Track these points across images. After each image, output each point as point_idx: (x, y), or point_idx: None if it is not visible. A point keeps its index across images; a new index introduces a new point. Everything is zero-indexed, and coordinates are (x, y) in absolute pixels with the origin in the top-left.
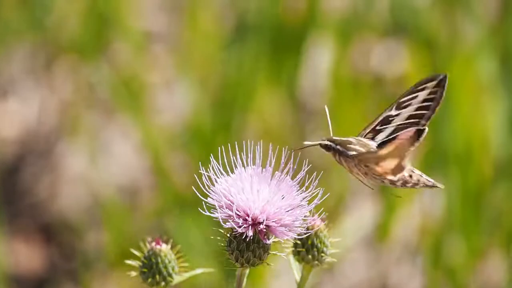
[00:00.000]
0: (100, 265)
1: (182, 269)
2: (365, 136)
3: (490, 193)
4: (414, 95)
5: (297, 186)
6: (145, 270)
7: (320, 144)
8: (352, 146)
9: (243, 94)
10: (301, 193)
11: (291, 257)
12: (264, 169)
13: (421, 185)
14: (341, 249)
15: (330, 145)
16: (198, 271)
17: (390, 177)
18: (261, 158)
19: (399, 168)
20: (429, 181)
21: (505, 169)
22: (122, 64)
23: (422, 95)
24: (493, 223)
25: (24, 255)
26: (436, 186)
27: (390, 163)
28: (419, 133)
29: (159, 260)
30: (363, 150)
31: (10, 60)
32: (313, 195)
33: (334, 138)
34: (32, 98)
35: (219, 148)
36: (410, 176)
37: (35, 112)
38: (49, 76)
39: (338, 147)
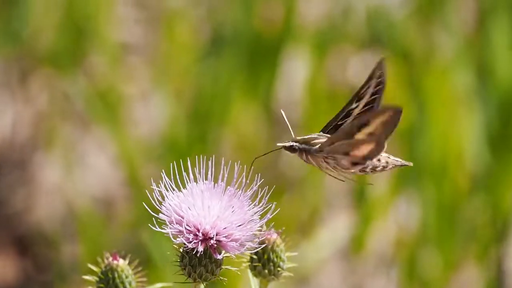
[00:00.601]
0: (75, 276)
1: (140, 284)
2: (327, 132)
3: (465, 206)
4: (367, 84)
5: (249, 201)
6: (102, 285)
7: (284, 147)
8: (317, 141)
9: (219, 106)
10: (253, 208)
11: (249, 272)
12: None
13: (391, 166)
14: (316, 261)
15: (294, 145)
16: (157, 285)
17: (358, 168)
18: (213, 173)
19: (375, 152)
20: (397, 160)
21: (480, 181)
22: (98, 76)
23: (373, 83)
24: (468, 236)
25: None
26: (405, 165)
27: (364, 149)
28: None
29: (116, 275)
30: None
31: None
32: (265, 209)
33: (298, 138)
34: (8, 110)
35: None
36: (379, 160)
37: (10, 124)
38: (24, 88)
39: (303, 145)
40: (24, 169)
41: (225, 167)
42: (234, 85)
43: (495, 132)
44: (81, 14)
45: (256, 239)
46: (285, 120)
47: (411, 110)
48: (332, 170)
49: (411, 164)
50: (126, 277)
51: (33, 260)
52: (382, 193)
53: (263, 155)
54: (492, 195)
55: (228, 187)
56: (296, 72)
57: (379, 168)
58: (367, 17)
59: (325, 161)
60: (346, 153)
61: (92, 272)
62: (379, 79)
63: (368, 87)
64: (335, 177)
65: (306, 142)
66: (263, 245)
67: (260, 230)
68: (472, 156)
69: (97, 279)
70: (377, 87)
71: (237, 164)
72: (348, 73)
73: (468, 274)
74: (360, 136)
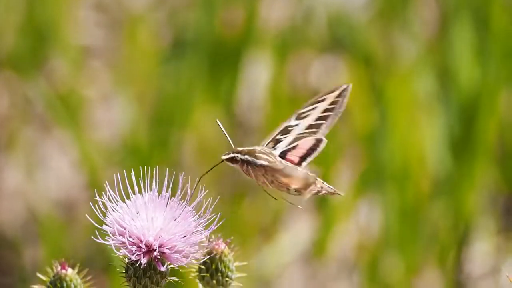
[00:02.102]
0: (37, 280)
1: None
2: (266, 145)
3: (427, 210)
4: (314, 106)
5: (194, 212)
6: None
7: (226, 159)
8: (259, 154)
9: (181, 110)
10: (198, 219)
11: (198, 282)
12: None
13: (324, 192)
14: (278, 265)
15: (236, 157)
16: None
17: (295, 186)
18: (157, 184)
19: (305, 188)
20: (330, 188)
21: (442, 186)
22: (59, 79)
23: (322, 105)
24: (430, 240)
25: None
26: (337, 193)
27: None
28: (317, 142)
29: (64, 285)
30: (270, 158)
31: None
32: (210, 220)
33: (240, 149)
34: None
35: (154, 165)
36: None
37: None
38: None
39: (246, 157)
40: None
41: (169, 177)
42: (196, 89)
43: (457, 136)
44: (42, 17)
45: (202, 250)
46: (224, 131)
47: (373, 115)
48: (269, 185)
49: (342, 194)
50: (75, 286)
51: None
52: (344, 197)
53: (207, 172)
54: (454, 199)
55: (172, 198)
56: (257, 76)
57: (313, 191)
58: (328, 21)
59: (264, 176)
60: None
61: (47, 275)
62: (333, 105)
63: (314, 108)
64: (269, 194)
65: (249, 153)
66: (209, 256)
67: (209, 240)
68: (434, 160)
69: None
70: (327, 112)
71: (181, 174)
72: (310, 77)
73: (430, 278)
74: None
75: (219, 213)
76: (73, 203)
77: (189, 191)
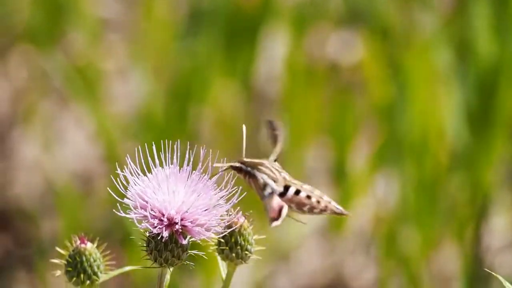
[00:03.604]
0: (54, 252)
1: (108, 267)
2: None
3: (445, 183)
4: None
5: (215, 185)
6: (70, 269)
7: (231, 166)
8: (263, 168)
9: (198, 84)
10: (219, 192)
11: (217, 255)
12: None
13: (329, 212)
14: (296, 238)
15: (240, 167)
16: (126, 268)
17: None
18: (179, 157)
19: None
20: (337, 208)
21: (460, 159)
22: (77, 52)
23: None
24: (448, 213)
25: None
26: (344, 214)
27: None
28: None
29: (84, 259)
30: (273, 175)
31: None
32: (231, 193)
33: (245, 160)
34: None
35: (171, 139)
36: (318, 202)
37: None
38: (3, 64)
39: (248, 169)
40: (2, 144)
41: (190, 151)
42: (213, 62)
43: (475, 109)
44: None
45: (222, 224)
46: (243, 137)
47: (391, 88)
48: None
49: (349, 214)
50: (94, 260)
51: (12, 235)
52: (361, 171)
53: (218, 173)
54: (472, 172)
55: (194, 171)
56: (275, 49)
57: (316, 210)
58: None
59: (263, 190)
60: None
61: (66, 248)
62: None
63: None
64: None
65: (252, 166)
66: (230, 229)
67: (228, 214)
68: (452, 133)
69: (65, 262)
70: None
71: (202, 148)
72: (327, 50)
73: (447, 251)
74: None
75: (240, 187)
76: (90, 176)
77: (210, 164)
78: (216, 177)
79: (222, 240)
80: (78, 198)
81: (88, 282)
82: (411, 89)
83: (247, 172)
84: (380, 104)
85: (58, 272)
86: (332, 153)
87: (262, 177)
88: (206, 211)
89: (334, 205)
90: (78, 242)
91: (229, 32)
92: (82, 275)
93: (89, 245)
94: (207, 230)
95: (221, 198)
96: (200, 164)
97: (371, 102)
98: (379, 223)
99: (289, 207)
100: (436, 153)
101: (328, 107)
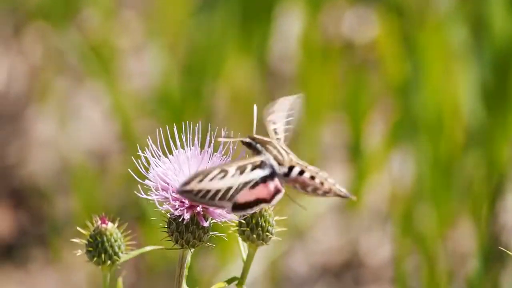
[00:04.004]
0: (69, 230)
1: (129, 247)
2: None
3: (460, 161)
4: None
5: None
6: (91, 249)
7: (242, 142)
8: (271, 148)
9: (213, 60)
10: None
11: (238, 236)
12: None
13: (332, 194)
14: (312, 215)
15: (250, 142)
16: (147, 248)
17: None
18: (200, 139)
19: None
20: (341, 191)
21: (475, 136)
22: (92, 30)
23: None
24: (464, 191)
25: None
26: (348, 197)
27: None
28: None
29: (105, 239)
30: (278, 156)
31: None
32: None
33: (255, 136)
34: (1, 63)
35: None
36: (322, 183)
37: (4, 77)
38: (18, 42)
39: (257, 146)
40: (18, 122)
41: (211, 132)
42: (228, 39)
43: (491, 87)
44: None
45: None
46: (254, 117)
47: (405, 66)
48: None
49: (354, 198)
50: (115, 240)
51: (27, 213)
52: (377, 148)
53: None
54: (487, 150)
55: (215, 153)
56: (290, 26)
57: (320, 192)
58: None
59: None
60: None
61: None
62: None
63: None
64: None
65: (261, 143)
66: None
67: None
68: (467, 111)
69: (86, 242)
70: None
71: (224, 130)
72: (342, 27)
73: (463, 229)
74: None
75: None
76: (105, 154)
77: (231, 146)
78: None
79: (243, 222)
80: (93, 175)
81: (109, 262)
82: (426, 66)
83: (255, 149)
84: (395, 81)
85: (79, 252)
86: (348, 130)
87: (267, 158)
88: None
89: (338, 188)
90: (99, 221)
91: (245, 8)
92: (103, 255)
93: (109, 225)
94: (228, 212)
95: None
96: (221, 146)
97: (386, 79)
98: (394, 201)
99: (294, 187)
100: (451, 131)
101: (343, 85)
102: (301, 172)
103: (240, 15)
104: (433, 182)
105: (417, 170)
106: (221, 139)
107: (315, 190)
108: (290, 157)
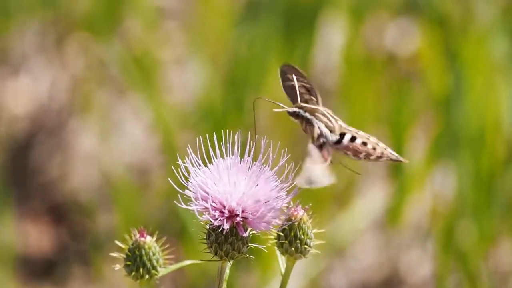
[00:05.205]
0: (110, 245)
1: (167, 261)
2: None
3: (502, 176)
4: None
5: (276, 177)
6: (129, 263)
7: (288, 112)
8: (320, 116)
9: (255, 73)
10: (280, 184)
11: (277, 249)
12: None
13: (385, 158)
14: (352, 232)
15: (298, 112)
16: (186, 262)
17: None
18: (239, 148)
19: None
20: (392, 154)
21: None
22: (134, 41)
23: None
24: (505, 207)
25: (34, 235)
26: (400, 161)
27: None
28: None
29: (143, 252)
30: (329, 123)
31: (22, 36)
32: (292, 186)
33: (303, 105)
34: (44, 75)
35: (229, 128)
36: (374, 148)
37: (47, 89)
38: (60, 53)
39: (306, 114)
40: (60, 135)
41: (251, 141)
42: (270, 51)
43: None
44: None
45: (283, 216)
46: (297, 89)
47: (448, 78)
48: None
49: (406, 161)
50: (153, 254)
51: (68, 228)
52: (418, 164)
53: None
54: None
55: (255, 162)
56: (332, 38)
57: (372, 157)
58: None
59: (317, 140)
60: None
61: (124, 242)
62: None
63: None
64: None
65: (310, 111)
66: (290, 222)
67: (287, 207)
68: (509, 125)
69: (124, 256)
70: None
71: (263, 139)
72: (385, 40)
73: (505, 246)
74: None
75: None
76: (147, 168)
77: (271, 155)
78: (276, 168)
79: (282, 234)
80: (134, 190)
81: (147, 276)
82: (468, 79)
83: (304, 118)
84: (437, 94)
85: (117, 266)
86: (390, 144)
87: (319, 126)
88: (267, 203)
89: (390, 151)
90: (138, 235)
91: (287, 20)
92: (141, 269)
93: (148, 238)
94: (268, 222)
95: (281, 190)
96: (261, 155)
97: (429, 92)
98: (436, 217)
99: (346, 154)
100: (493, 146)
101: (385, 97)
102: (353, 139)
103: (282, 27)
104: (475, 198)
105: (458, 185)
106: (282, 109)
107: (368, 156)
108: (339, 124)
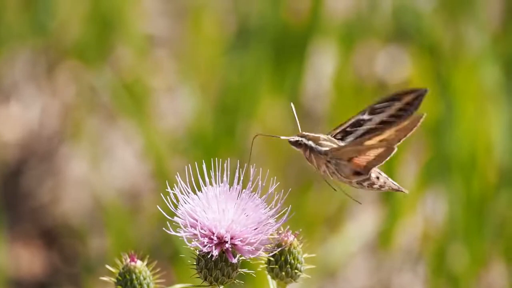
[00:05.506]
0: (102, 269)
1: (158, 285)
2: (334, 136)
3: (493, 201)
4: (389, 103)
5: (265, 204)
6: (120, 287)
7: (289, 141)
8: (323, 142)
9: (246, 99)
10: (269, 211)
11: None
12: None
13: (387, 187)
14: (344, 255)
15: (300, 141)
16: (177, 286)
17: (357, 178)
18: (228, 176)
19: (383, 156)
20: (394, 184)
21: (508, 176)
22: (125, 69)
23: (398, 104)
24: (496, 231)
25: (25, 259)
26: (401, 190)
27: (372, 154)
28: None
29: (134, 277)
30: (333, 145)
31: (12, 64)
32: (281, 212)
33: (305, 133)
34: (34, 102)
35: (220, 154)
36: (377, 178)
37: (37, 116)
38: (51, 80)
39: (310, 142)
40: (51, 161)
41: (240, 169)
42: (261, 78)
43: None
44: (107, 7)
45: (272, 242)
46: (294, 114)
47: (438, 105)
48: (330, 175)
49: (406, 191)
50: (144, 278)
51: (60, 252)
52: (410, 188)
53: (263, 135)
54: None
55: (244, 190)
56: (323, 66)
57: (375, 186)
58: (394, 11)
59: (326, 165)
60: (350, 159)
61: (115, 266)
62: (408, 106)
63: (389, 106)
64: (329, 184)
65: (313, 140)
66: (280, 248)
67: (278, 232)
68: (500, 151)
69: (114, 280)
70: (401, 112)
71: (252, 167)
72: (375, 67)
73: (495, 269)
74: (370, 142)
75: (289, 206)
76: (138, 193)
77: (260, 183)
78: (265, 196)
79: (272, 259)
80: (126, 215)
81: None
82: (459, 106)
83: (307, 147)
84: (428, 121)
85: None
86: (381, 168)
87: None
88: (256, 230)
89: (392, 182)
90: (128, 259)
91: (277, 47)
92: None
93: (139, 262)
94: (257, 248)
95: (270, 216)
96: (250, 182)
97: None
98: (427, 241)
99: (349, 183)
100: (484, 171)
101: None
102: None
103: (273, 54)
104: (466, 222)
105: (449, 209)
106: (285, 137)
107: (371, 185)
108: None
